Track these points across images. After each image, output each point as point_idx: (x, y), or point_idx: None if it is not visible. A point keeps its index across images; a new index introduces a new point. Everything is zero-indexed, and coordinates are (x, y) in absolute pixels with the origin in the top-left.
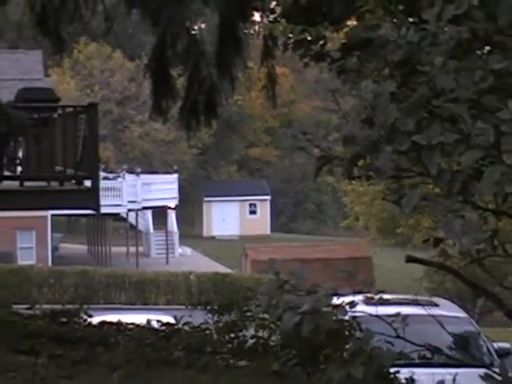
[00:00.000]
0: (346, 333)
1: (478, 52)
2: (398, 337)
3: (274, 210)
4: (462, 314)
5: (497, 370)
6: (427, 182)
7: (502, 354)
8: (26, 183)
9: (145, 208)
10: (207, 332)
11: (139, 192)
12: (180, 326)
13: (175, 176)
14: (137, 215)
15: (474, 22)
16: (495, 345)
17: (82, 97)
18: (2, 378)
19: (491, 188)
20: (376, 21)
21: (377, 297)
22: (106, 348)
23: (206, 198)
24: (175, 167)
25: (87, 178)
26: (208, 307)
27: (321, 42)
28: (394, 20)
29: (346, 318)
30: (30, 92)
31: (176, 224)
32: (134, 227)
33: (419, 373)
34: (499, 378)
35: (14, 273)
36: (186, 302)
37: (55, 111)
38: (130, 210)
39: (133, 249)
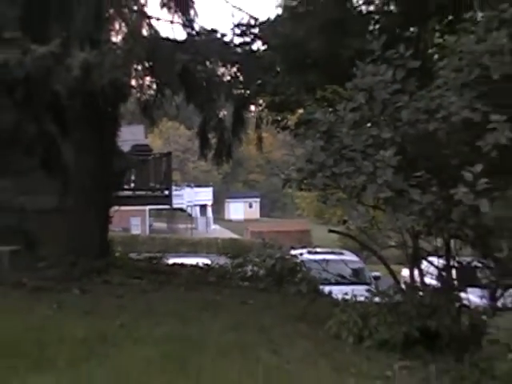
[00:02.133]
0: (298, 268)
1: (365, 126)
2: (324, 270)
3: (261, 205)
4: (356, 258)
5: (373, 286)
6: (339, 191)
7: (376, 278)
8: (136, 192)
9: (195, 205)
10: (227, 268)
11: (192, 196)
12: (213, 264)
13: (211, 188)
14: (191, 209)
15: (363, 111)
16: (372, 274)
17: (163, 149)
18: (123, 289)
19: (372, 195)
20: (313, 110)
21: (313, 250)
22: (175, 276)
23: (226, 200)
24: (211, 183)
25: (166, 189)
26: (228, 255)
27: (285, 121)
28: (322, 109)
29: (298, 261)
30: (137, 147)
31: (211, 213)
32: (190, 215)
33: (334, 289)
34: (374, 290)
35: (129, 238)
36: (216, 252)
37: (150, 156)
38: (188, 206)
39: (189, 225)
